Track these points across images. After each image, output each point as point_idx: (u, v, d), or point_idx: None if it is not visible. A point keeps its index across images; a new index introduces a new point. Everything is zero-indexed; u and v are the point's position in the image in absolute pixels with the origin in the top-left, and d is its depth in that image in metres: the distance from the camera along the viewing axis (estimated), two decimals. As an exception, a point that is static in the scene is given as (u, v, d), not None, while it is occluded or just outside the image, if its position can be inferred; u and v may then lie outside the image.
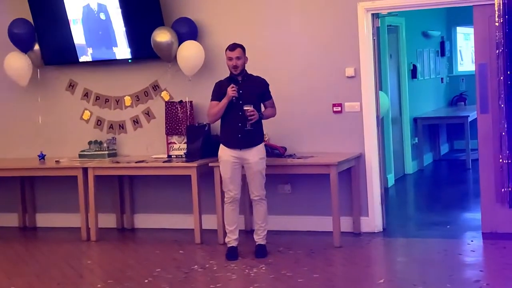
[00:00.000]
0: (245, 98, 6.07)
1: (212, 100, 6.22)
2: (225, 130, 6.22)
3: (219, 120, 6.26)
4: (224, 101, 6.09)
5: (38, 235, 7.80)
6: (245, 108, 6.04)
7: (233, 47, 6.10)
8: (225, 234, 6.44)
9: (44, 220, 8.03)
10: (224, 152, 6.21)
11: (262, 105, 6.27)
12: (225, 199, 6.27)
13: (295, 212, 7.12)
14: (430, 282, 5.34)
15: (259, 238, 6.29)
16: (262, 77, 6.27)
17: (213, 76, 7.08)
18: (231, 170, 6.16)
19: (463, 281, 5.41)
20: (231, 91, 6.04)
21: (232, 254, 6.20)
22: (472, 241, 6.47)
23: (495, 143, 6.47)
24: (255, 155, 6.15)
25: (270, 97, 6.29)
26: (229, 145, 6.16)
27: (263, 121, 6.27)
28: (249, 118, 6.04)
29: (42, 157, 7.65)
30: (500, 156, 6.39)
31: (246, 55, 6.16)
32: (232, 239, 6.26)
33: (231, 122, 6.14)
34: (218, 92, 6.18)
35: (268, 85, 6.25)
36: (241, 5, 7.20)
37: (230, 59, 6.09)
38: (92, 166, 7.15)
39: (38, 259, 6.67)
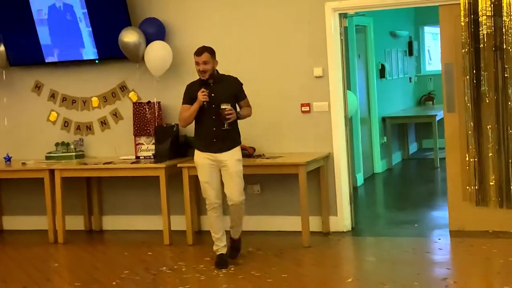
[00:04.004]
0: (219, 100, 5.87)
1: (183, 103, 6.03)
2: (200, 135, 6.02)
3: (193, 124, 6.06)
4: (195, 105, 5.90)
5: (4, 238, 7.69)
6: (222, 107, 5.82)
7: (199, 51, 5.88)
8: (194, 236, 6.42)
9: (10, 223, 7.93)
10: (199, 156, 5.99)
11: (237, 105, 6.07)
12: (206, 206, 6.06)
13: (264, 212, 7.11)
14: (398, 281, 5.36)
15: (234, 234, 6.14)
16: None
17: (181, 76, 7.06)
18: (209, 173, 5.94)
19: (431, 279, 5.44)
20: (201, 95, 5.85)
21: (221, 261, 5.98)
22: (439, 239, 6.51)
23: (462, 142, 6.52)
24: (232, 156, 5.93)
25: (244, 97, 6.09)
26: (205, 150, 5.95)
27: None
28: (226, 117, 5.86)
29: (8, 159, 7.56)
30: (467, 155, 6.44)
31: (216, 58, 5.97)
32: (220, 246, 6.04)
33: (205, 126, 5.94)
34: (189, 95, 6.00)
35: (241, 84, 6.06)
36: (209, 5, 7.17)
37: (197, 63, 5.89)
38: (59, 168, 7.09)
39: (4, 262, 6.58)
